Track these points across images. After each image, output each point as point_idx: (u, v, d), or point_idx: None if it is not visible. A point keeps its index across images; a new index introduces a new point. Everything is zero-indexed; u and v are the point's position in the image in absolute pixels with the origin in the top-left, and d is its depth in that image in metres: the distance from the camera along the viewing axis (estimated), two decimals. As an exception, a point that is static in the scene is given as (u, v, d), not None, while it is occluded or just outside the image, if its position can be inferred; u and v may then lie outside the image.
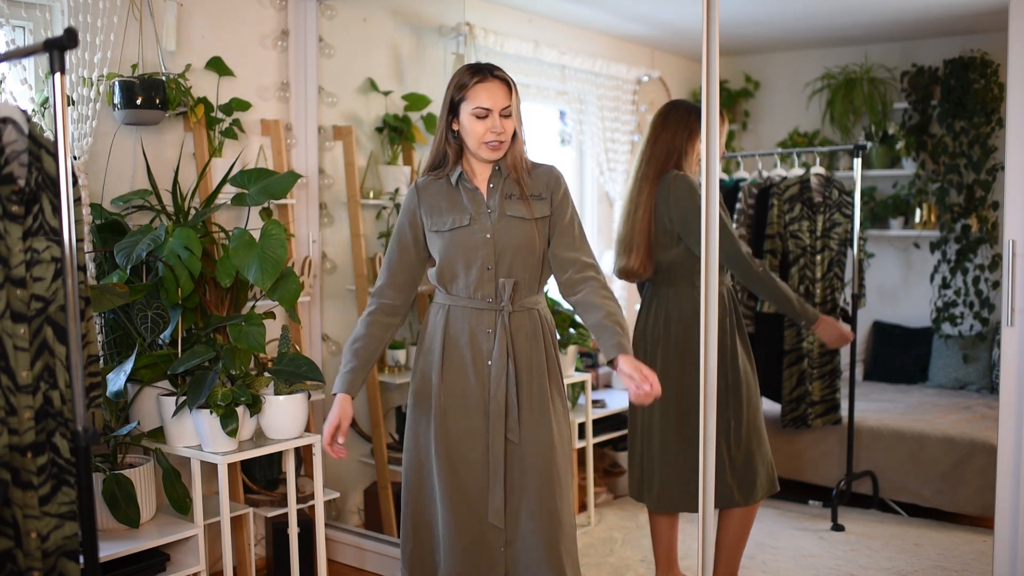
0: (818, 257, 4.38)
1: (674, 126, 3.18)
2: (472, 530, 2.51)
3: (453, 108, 2.52)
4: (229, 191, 3.38)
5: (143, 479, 2.90)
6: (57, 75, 1.84)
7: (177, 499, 2.93)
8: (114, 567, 2.77)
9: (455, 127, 2.53)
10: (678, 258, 3.16)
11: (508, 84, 2.49)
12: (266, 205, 3.52)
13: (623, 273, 3.25)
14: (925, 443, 4.29)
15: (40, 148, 2.12)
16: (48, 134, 2.75)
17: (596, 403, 4.53)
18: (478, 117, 2.47)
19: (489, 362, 2.51)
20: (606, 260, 5.05)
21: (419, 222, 2.59)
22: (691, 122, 3.16)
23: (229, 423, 2.85)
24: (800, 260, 4.35)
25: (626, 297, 5.35)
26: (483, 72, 2.49)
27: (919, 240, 5.43)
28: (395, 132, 4.08)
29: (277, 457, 3.43)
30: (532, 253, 2.52)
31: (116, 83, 3.13)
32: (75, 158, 3.02)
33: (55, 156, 2.12)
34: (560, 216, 2.56)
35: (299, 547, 3.26)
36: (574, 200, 2.66)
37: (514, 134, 2.53)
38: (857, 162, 4.31)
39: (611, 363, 2.42)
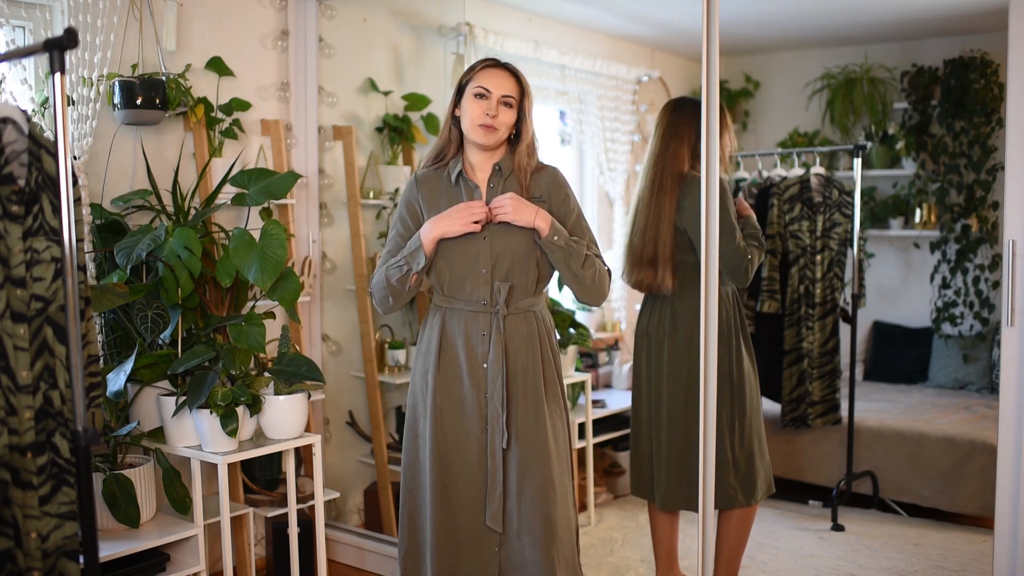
0: (818, 257, 4.38)
1: (686, 127, 3.15)
2: (465, 531, 2.52)
3: (460, 92, 2.54)
4: (229, 191, 3.38)
5: (143, 479, 2.90)
6: (57, 75, 1.84)
7: (177, 499, 2.93)
8: (114, 567, 2.77)
9: (457, 113, 2.54)
10: (685, 258, 3.16)
11: (517, 78, 2.52)
12: (266, 205, 3.52)
13: (640, 287, 3.21)
14: (925, 443, 4.28)
15: (40, 148, 2.12)
16: (48, 134, 2.74)
17: (596, 403, 4.53)
18: (476, 96, 2.49)
19: (485, 365, 2.51)
20: (608, 258, 5.03)
21: (419, 215, 2.60)
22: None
23: (229, 423, 2.85)
24: (800, 260, 4.35)
25: (626, 298, 5.35)
26: (495, 62, 2.54)
27: (919, 240, 5.43)
28: (395, 132, 4.08)
29: (277, 457, 3.43)
30: (530, 257, 2.52)
31: (116, 83, 3.13)
32: (75, 158, 3.02)
33: (55, 156, 2.12)
34: (565, 216, 2.57)
35: (299, 547, 3.26)
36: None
37: (519, 133, 2.54)
38: (857, 162, 4.31)
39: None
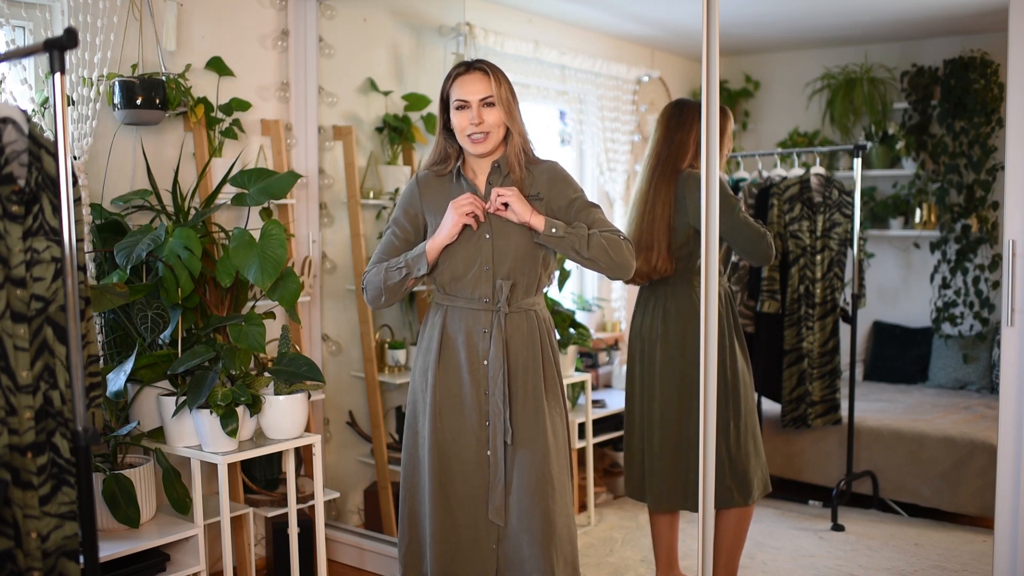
0: (818, 257, 4.38)
1: (688, 124, 3.18)
2: (464, 527, 2.52)
3: (446, 106, 2.54)
4: (229, 191, 3.38)
5: (143, 479, 2.90)
6: (57, 75, 1.84)
7: (177, 499, 2.93)
8: (114, 567, 2.77)
9: (451, 126, 2.54)
10: (683, 255, 3.17)
11: (488, 74, 2.47)
12: (266, 205, 3.52)
13: (638, 276, 3.22)
14: (925, 443, 4.28)
15: (40, 148, 2.12)
16: (48, 134, 2.75)
17: (596, 403, 4.53)
18: (458, 109, 2.48)
19: (485, 362, 2.51)
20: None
21: (420, 217, 2.60)
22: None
23: (229, 423, 2.85)
24: (800, 260, 4.35)
25: (626, 298, 5.35)
26: (464, 65, 2.51)
27: (919, 240, 5.43)
28: (395, 132, 4.08)
29: (277, 457, 3.43)
30: (531, 255, 2.52)
31: (116, 83, 3.13)
32: (75, 158, 3.02)
33: (55, 156, 2.12)
34: (570, 206, 2.55)
35: (299, 547, 3.26)
36: None
37: (508, 130, 2.53)
38: (857, 162, 4.31)
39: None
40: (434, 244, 2.50)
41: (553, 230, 2.46)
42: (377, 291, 2.57)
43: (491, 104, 2.47)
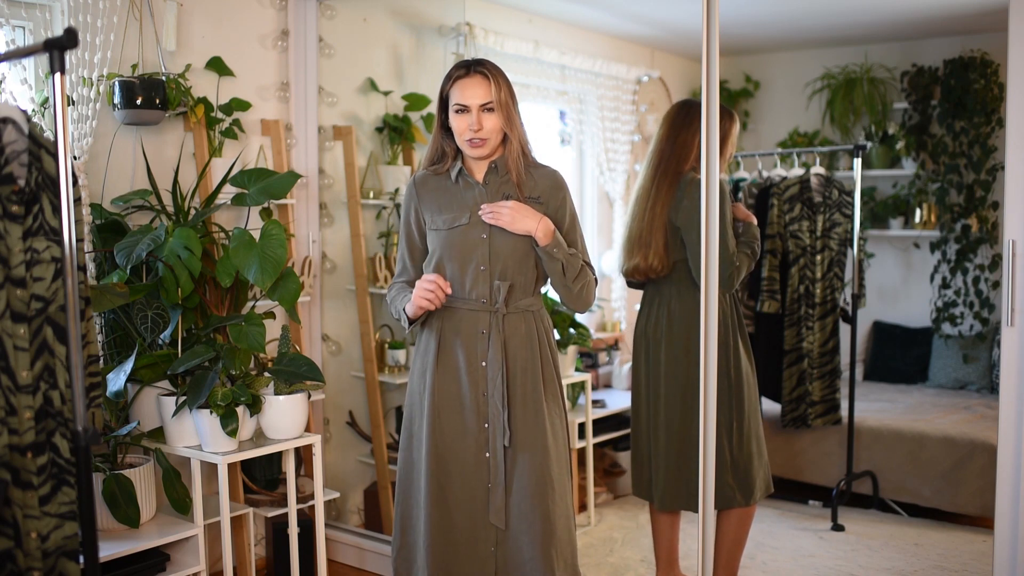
0: (818, 257, 4.38)
1: (693, 125, 3.18)
2: (462, 530, 2.51)
3: (444, 105, 2.53)
4: (229, 191, 3.38)
5: (143, 479, 2.90)
6: (57, 75, 1.84)
7: (177, 499, 2.93)
8: (114, 567, 2.77)
9: (448, 125, 2.54)
10: (682, 257, 3.17)
11: (489, 78, 2.46)
12: (266, 205, 3.52)
13: (636, 272, 3.22)
14: (925, 443, 4.29)
15: (40, 148, 2.12)
16: (48, 134, 2.75)
17: (596, 403, 4.53)
18: (457, 112, 2.48)
19: (484, 363, 2.50)
20: (607, 260, 5.04)
21: (420, 218, 2.60)
22: None
23: (229, 423, 2.85)
24: (800, 260, 4.35)
25: (626, 298, 5.35)
26: (464, 68, 2.49)
27: (919, 240, 5.43)
28: (395, 132, 4.08)
29: (277, 457, 3.43)
30: (528, 256, 2.52)
31: (116, 83, 3.13)
32: (75, 158, 3.02)
33: (55, 156, 2.12)
34: (560, 220, 2.57)
35: (299, 547, 3.26)
36: (574, 201, 2.65)
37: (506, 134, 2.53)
38: (857, 162, 4.31)
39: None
40: (409, 311, 2.54)
41: (555, 250, 2.49)
42: (395, 314, 2.67)
43: (491, 110, 2.47)
